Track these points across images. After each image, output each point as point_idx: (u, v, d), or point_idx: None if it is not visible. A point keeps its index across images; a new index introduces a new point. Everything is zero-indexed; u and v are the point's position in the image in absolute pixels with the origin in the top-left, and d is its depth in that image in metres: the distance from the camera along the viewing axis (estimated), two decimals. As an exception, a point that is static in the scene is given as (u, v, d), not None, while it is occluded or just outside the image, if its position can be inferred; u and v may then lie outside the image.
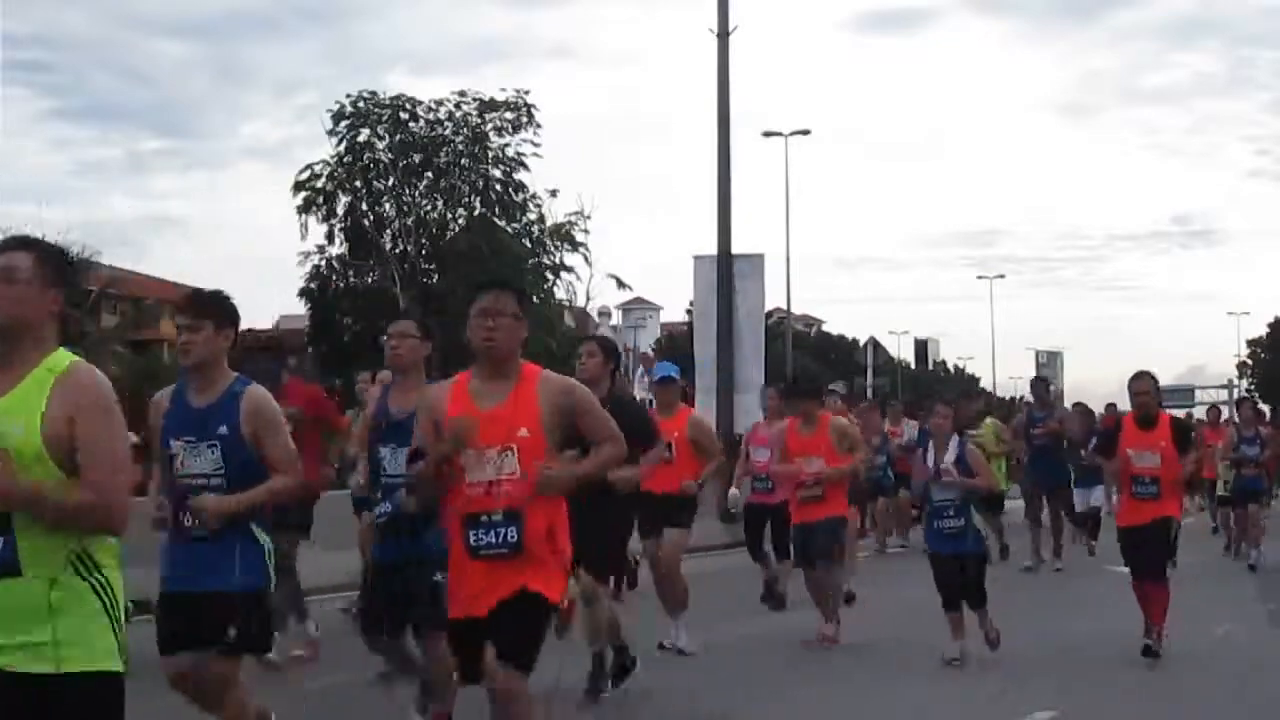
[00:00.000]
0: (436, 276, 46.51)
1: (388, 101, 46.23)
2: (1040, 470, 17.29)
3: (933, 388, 60.46)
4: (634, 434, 7.71)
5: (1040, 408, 17.90)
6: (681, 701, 8.71)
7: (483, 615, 5.28)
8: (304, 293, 47.43)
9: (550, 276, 47.95)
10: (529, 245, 47.13)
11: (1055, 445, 16.96)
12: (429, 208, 47.19)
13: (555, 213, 47.45)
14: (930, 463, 10.01)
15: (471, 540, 5.31)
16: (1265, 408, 30.20)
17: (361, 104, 45.99)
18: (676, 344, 64.97)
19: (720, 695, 8.80)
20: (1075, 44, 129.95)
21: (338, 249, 47.13)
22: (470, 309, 5.58)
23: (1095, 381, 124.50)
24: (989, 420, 19.19)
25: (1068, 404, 22.24)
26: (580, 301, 50.74)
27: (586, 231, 47.41)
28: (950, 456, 9.92)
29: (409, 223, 46.78)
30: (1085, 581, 15.36)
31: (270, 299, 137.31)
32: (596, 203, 74.95)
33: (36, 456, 3.57)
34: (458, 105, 46.54)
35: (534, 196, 47.21)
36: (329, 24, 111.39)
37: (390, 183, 46.60)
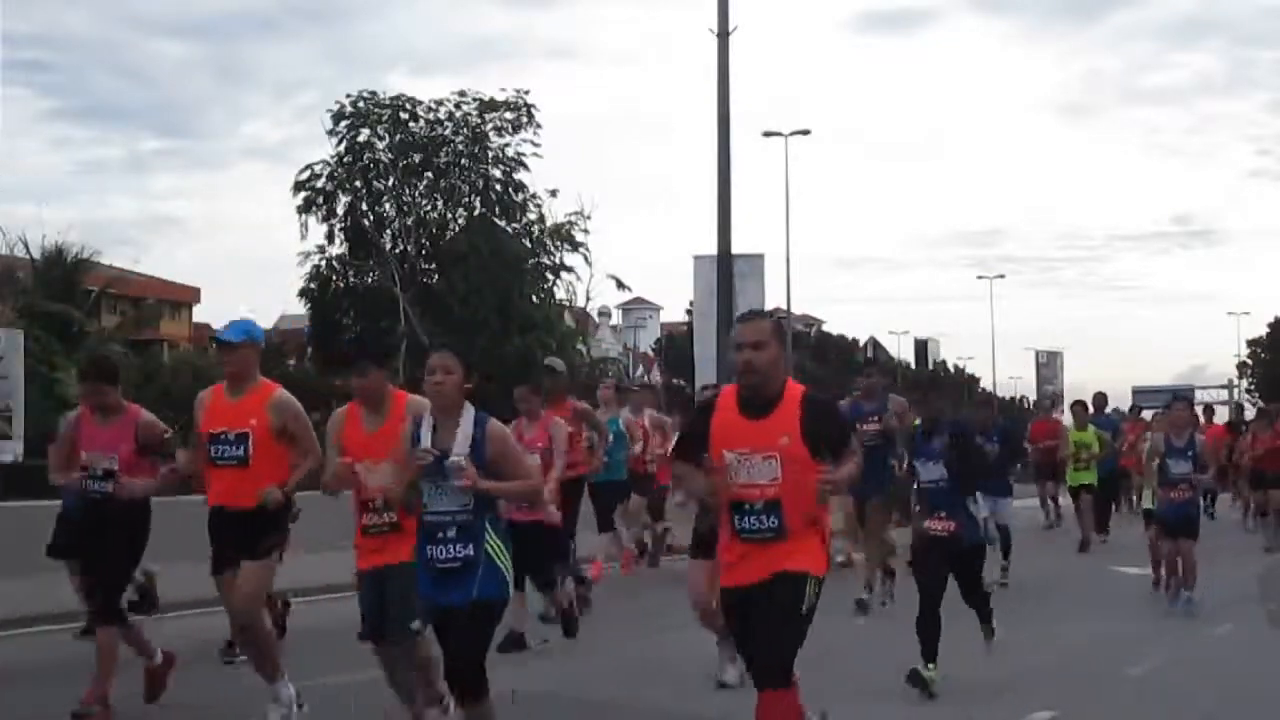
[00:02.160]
0: (436, 276, 46.56)
1: (388, 101, 46.29)
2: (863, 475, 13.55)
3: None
4: None
5: (867, 398, 13.78)
6: (679, 700, 8.70)
7: None
8: (304, 293, 47.50)
9: (550, 276, 48.01)
10: (529, 245, 47.17)
11: (888, 446, 12.64)
12: (429, 208, 47.24)
13: (555, 213, 47.54)
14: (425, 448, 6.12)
15: None
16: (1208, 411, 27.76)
17: (361, 104, 46.05)
18: (676, 344, 65.00)
19: (718, 691, 8.77)
20: (1075, 44, 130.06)
21: (338, 249, 47.21)
22: None
23: (1095, 381, 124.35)
24: None
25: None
26: (580, 301, 50.83)
27: (586, 231, 47.51)
28: (461, 444, 6.08)
29: (409, 223, 46.82)
30: (1086, 582, 15.36)
31: (270, 299, 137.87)
32: (596, 203, 75.03)
33: None
34: (458, 105, 46.62)
35: (534, 196, 47.30)
36: (329, 24, 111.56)
37: (390, 183, 46.65)
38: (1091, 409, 20.68)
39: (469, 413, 6.13)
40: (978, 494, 15.70)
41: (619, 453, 14.91)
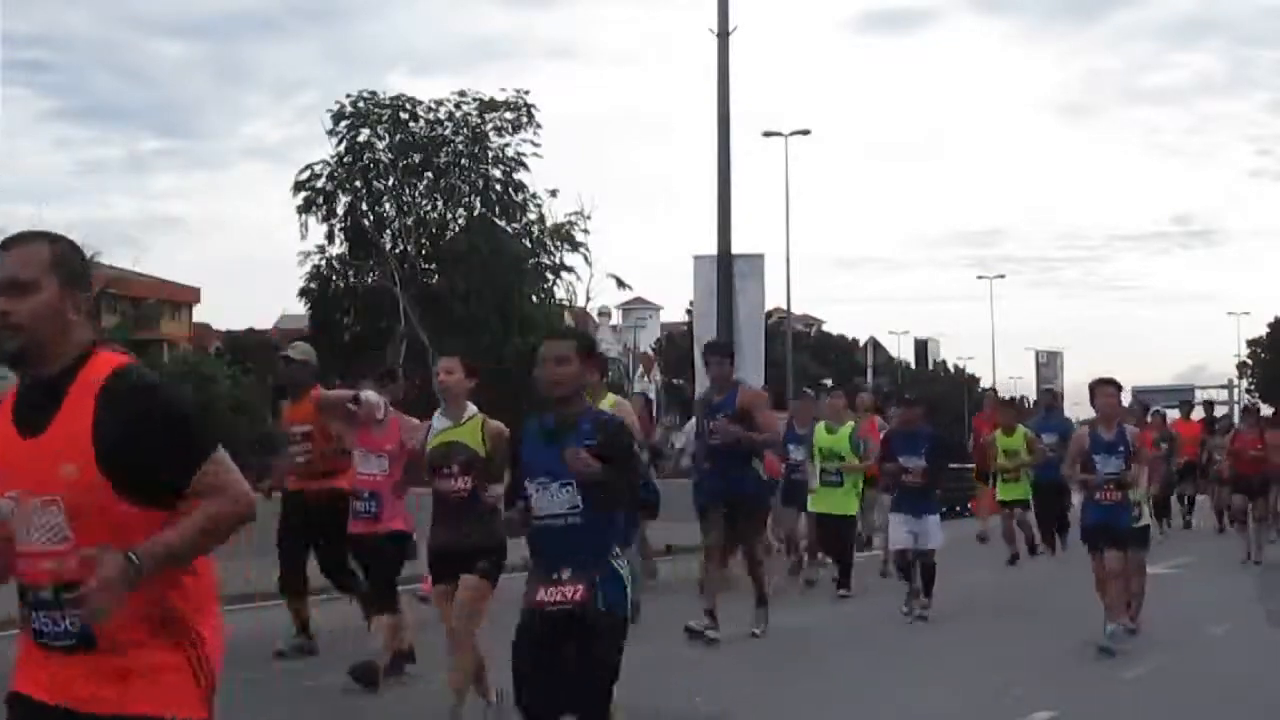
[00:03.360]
0: (436, 276, 46.57)
1: (388, 101, 46.32)
2: (714, 480, 10.81)
3: (931, 388, 60.45)
4: None
5: (720, 390, 11.03)
6: (678, 701, 8.71)
7: None
8: (304, 293, 47.54)
9: (550, 276, 48.04)
10: (529, 245, 47.20)
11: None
12: (429, 208, 47.27)
13: (555, 213, 47.56)
14: None
15: None
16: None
17: (361, 104, 46.07)
18: (676, 344, 65.02)
19: (719, 693, 8.78)
20: (1075, 44, 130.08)
21: (338, 249, 47.23)
22: None
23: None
24: (612, 397, 10.09)
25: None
26: (580, 301, 50.81)
27: (586, 231, 47.53)
28: None
29: (409, 223, 46.85)
30: (1082, 582, 15.34)
31: (270, 299, 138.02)
32: (596, 203, 75.08)
33: None
34: (458, 105, 46.65)
35: (534, 196, 47.34)
36: (329, 24, 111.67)
37: (390, 183, 46.67)
38: (1043, 409, 17.92)
39: None
40: (905, 513, 11.96)
41: None
